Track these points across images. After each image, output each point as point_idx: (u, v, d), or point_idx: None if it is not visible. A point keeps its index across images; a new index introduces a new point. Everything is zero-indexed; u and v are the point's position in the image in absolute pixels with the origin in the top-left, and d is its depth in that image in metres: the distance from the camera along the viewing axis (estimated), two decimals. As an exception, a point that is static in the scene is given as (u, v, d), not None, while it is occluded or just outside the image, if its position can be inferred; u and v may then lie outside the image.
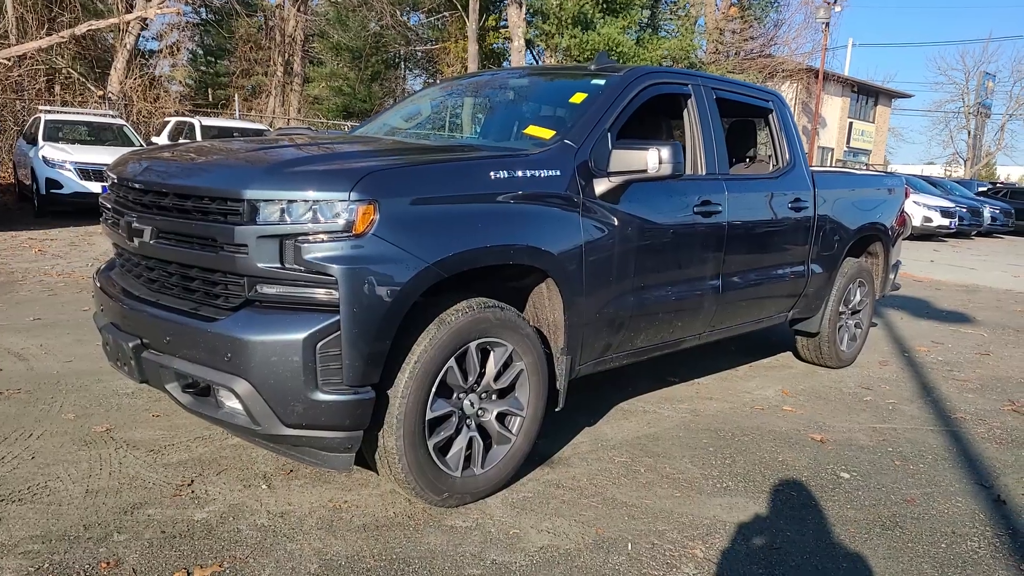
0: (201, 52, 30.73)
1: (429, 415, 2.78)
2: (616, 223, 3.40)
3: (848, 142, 39.45)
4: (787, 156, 4.77)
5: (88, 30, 16.94)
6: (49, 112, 12.82)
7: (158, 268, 2.90)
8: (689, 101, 4.08)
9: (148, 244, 2.83)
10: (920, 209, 18.90)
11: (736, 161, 5.08)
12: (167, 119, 16.49)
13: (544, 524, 2.88)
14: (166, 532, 2.64)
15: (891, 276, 6.13)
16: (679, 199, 3.79)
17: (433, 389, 2.77)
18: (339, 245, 2.49)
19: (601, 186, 3.31)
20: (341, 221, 2.50)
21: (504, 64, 27.24)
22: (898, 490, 3.44)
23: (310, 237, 2.50)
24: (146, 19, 17.78)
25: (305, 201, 2.51)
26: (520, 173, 3.03)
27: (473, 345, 2.88)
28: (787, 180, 4.68)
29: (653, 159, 3.24)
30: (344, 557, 2.55)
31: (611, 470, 3.44)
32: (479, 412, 3.02)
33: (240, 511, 2.82)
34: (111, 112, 14.18)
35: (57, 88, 17.22)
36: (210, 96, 27.37)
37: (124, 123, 13.28)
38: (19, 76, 16.49)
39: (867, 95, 41.22)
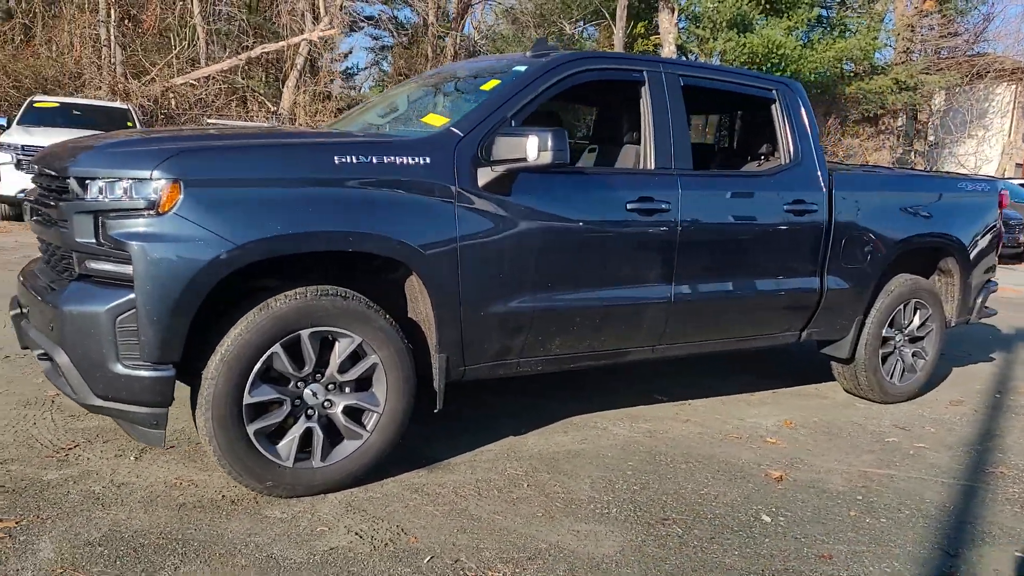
0: (388, 72, 32.82)
1: (248, 400, 2.74)
2: (508, 216, 3.17)
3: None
4: (792, 152, 4.20)
5: (261, 52, 18.72)
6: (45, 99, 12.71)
7: (43, 245, 3.11)
8: (643, 88, 3.72)
9: (32, 223, 3.05)
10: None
11: (751, 158, 4.59)
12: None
13: (361, 526, 2.73)
14: (5, 487, 2.80)
15: (975, 300, 5.20)
16: (603, 194, 3.46)
17: (253, 374, 2.72)
18: (140, 222, 2.54)
19: (485, 176, 3.11)
20: (144, 199, 2.54)
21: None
22: (820, 543, 2.88)
23: (117, 214, 2.56)
24: (312, 41, 19.31)
25: (115, 179, 2.58)
26: (374, 159, 2.92)
27: (305, 333, 2.80)
28: (786, 179, 4.12)
29: (532, 146, 2.99)
30: (132, 531, 2.57)
31: (490, 481, 3.19)
32: (325, 404, 2.93)
33: (87, 477, 2.94)
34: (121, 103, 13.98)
35: (233, 104, 19.18)
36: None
37: (128, 107, 13.11)
38: (203, 94, 18.55)
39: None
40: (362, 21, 30.62)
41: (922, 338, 4.91)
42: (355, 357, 2.95)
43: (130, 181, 2.56)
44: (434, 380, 3.16)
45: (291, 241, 2.71)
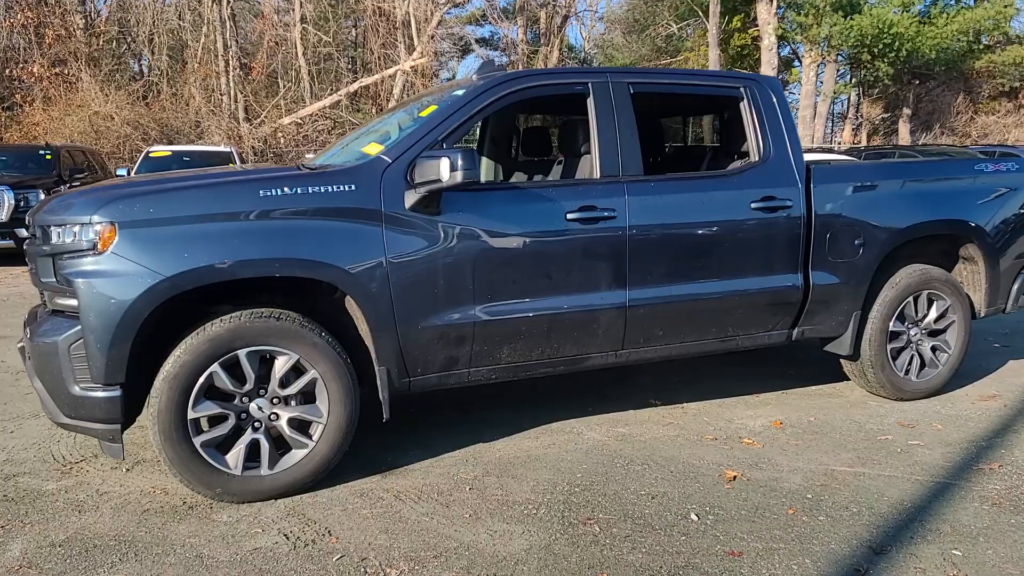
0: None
1: (192, 415, 3.07)
2: (439, 234, 3.37)
3: None
4: (761, 149, 4.13)
5: (359, 87, 19.78)
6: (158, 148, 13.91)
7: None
8: (588, 101, 3.81)
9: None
10: None
11: (734, 158, 4.54)
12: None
13: (292, 528, 2.99)
14: (8, 496, 3.27)
15: (1011, 287, 4.85)
16: (540, 207, 3.58)
17: (195, 391, 3.05)
18: (84, 261, 2.94)
19: (411, 198, 3.32)
20: (86, 241, 2.94)
21: (753, 67, 25.76)
22: (737, 541, 2.87)
23: (66, 255, 2.97)
24: (406, 72, 20.20)
25: (66, 225, 3.00)
26: (299, 190, 3.20)
27: (242, 353, 3.11)
28: (754, 176, 4.05)
29: (444, 167, 3.18)
30: (93, 534, 2.94)
31: (436, 486, 3.37)
32: (271, 416, 3.22)
33: (78, 487, 3.37)
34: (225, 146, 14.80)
35: (335, 138, 20.39)
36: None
37: (231, 150, 13.92)
38: (308, 131, 19.84)
39: None
40: (468, 46, 31.63)
41: (942, 331, 4.64)
42: (297, 372, 3.22)
43: (78, 226, 2.97)
44: (380, 392, 3.39)
45: (219, 271, 3.02)
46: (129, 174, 13.48)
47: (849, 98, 30.60)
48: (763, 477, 3.46)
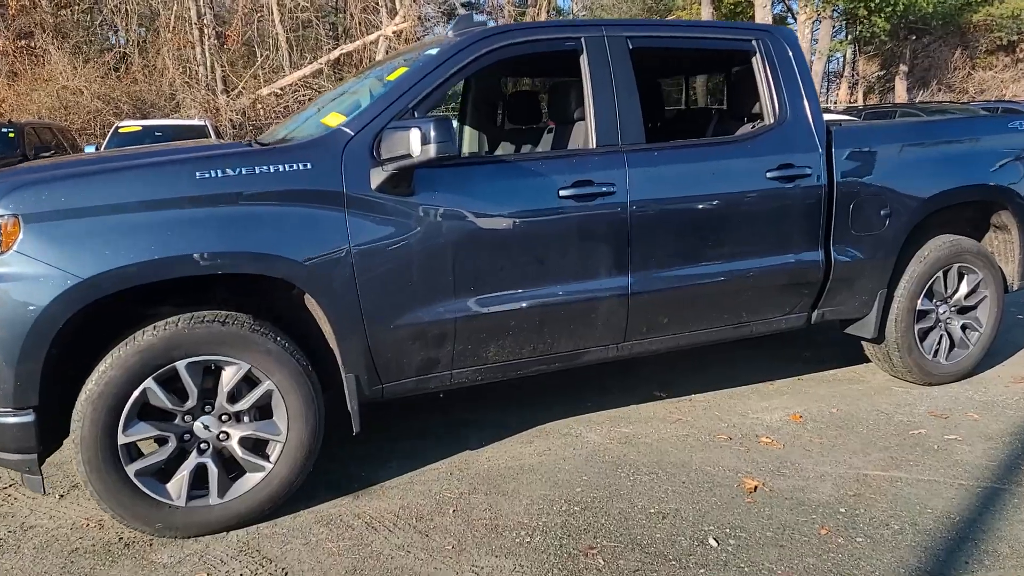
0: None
1: (124, 439, 2.61)
2: (413, 218, 2.90)
3: None
4: (777, 110, 3.64)
5: (340, 54, 19.04)
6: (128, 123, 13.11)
7: None
8: (581, 59, 3.31)
9: None
10: None
11: (745, 121, 4.05)
12: None
13: (244, 569, 2.55)
14: (-79, 534, 2.82)
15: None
16: (528, 182, 3.11)
17: (125, 412, 2.59)
18: (-17, 264, 2.45)
19: (378, 177, 2.83)
20: (-15, 240, 2.45)
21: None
22: (767, 571, 2.45)
23: (-36, 257, 2.48)
24: (388, 37, 19.44)
25: None
26: (244, 170, 2.71)
27: (182, 364, 2.64)
28: (769, 141, 3.58)
29: (415, 140, 2.69)
30: (10, 581, 2.50)
31: (415, 508, 2.94)
32: (220, 436, 2.77)
33: (2, 519, 2.92)
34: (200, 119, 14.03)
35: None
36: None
37: (206, 123, 13.15)
38: (289, 102, 19.12)
39: None
40: (453, 9, 30.73)
41: (973, 307, 4.21)
42: (250, 383, 2.77)
43: (-25, 222, 2.47)
44: (348, 402, 2.93)
45: (149, 269, 2.55)
46: (98, 150, 12.86)
47: (845, 56, 29.93)
48: (788, 487, 3.04)
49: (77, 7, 21.43)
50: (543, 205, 3.11)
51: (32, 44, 19.32)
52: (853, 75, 30.49)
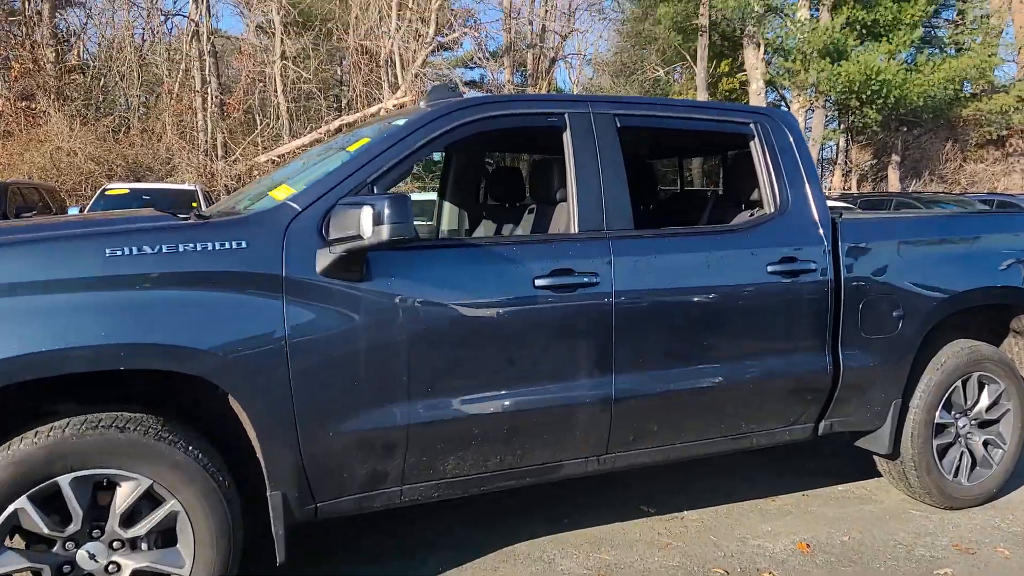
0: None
1: (-12, 573, 2.14)
2: (364, 307, 2.51)
3: None
4: (777, 198, 3.31)
5: (341, 125, 19.06)
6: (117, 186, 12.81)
7: None
8: (565, 136, 2.98)
9: None
10: None
11: (745, 208, 3.72)
12: None
13: None
14: None
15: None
16: (500, 269, 2.73)
17: (-9, 541, 2.13)
18: None
19: (324, 260, 2.45)
20: None
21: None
22: None
23: None
24: (387, 110, 19.52)
25: None
26: (164, 248, 2.32)
27: (65, 480, 2.19)
28: (769, 232, 3.23)
29: (366, 220, 2.32)
30: None
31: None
32: (109, 568, 2.29)
33: None
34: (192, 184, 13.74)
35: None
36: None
37: (196, 188, 12.70)
38: (284, 170, 19.02)
39: None
40: (456, 87, 31.07)
41: (995, 421, 3.79)
42: (152, 503, 2.31)
43: None
44: (272, 525, 2.47)
45: (35, 365, 2.13)
46: (82, 212, 12.57)
47: (838, 144, 30.27)
48: (795, 641, 2.55)
49: (85, 75, 21.61)
50: (516, 295, 2.72)
51: (33, 106, 19.31)
52: (846, 163, 30.80)
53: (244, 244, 2.40)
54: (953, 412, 3.70)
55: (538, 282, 2.74)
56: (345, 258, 2.43)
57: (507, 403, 2.73)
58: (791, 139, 3.41)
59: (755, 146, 3.36)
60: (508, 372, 2.73)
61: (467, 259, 2.72)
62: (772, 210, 3.30)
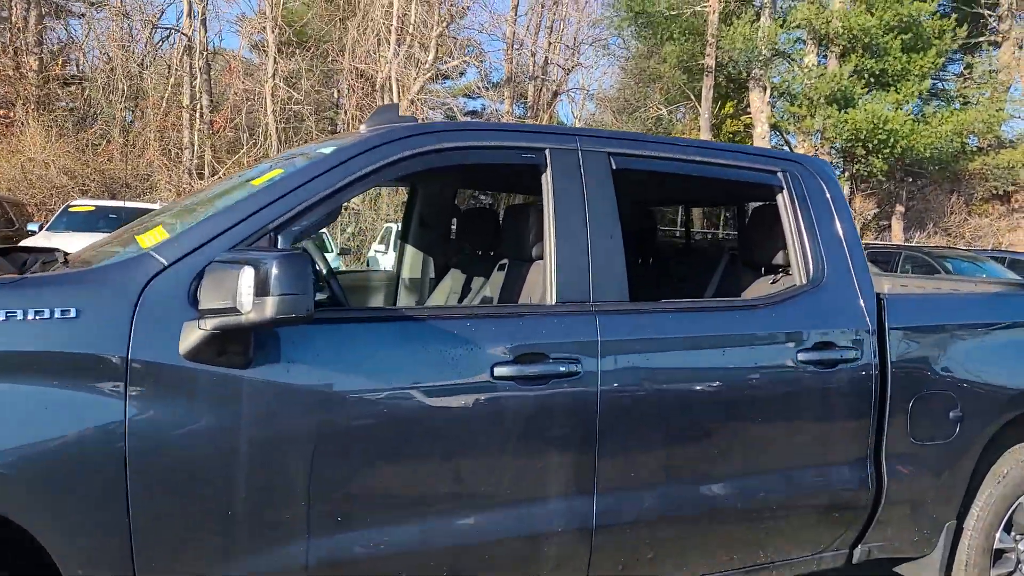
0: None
1: None
2: (246, 405, 1.80)
3: None
4: (810, 266, 2.63)
5: (329, 148, 18.48)
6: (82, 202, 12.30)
7: None
8: (544, 177, 2.30)
9: None
10: None
11: (765, 272, 3.04)
12: None
13: None
14: None
15: None
16: (444, 352, 2.02)
17: None
18: None
19: (191, 337, 1.73)
20: None
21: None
22: None
23: None
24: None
25: None
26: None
27: None
28: (800, 309, 2.53)
29: (245, 287, 1.62)
30: None
31: None
32: None
33: None
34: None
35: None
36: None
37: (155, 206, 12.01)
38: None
39: None
40: (455, 117, 30.82)
41: (1064, 545, 3.08)
42: None
43: None
44: None
45: None
46: (41, 230, 11.79)
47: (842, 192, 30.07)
48: None
49: (75, 86, 21.02)
50: (467, 388, 2.02)
51: (11, 115, 18.66)
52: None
53: (73, 313, 1.69)
54: (1014, 534, 3.00)
55: (498, 370, 2.03)
56: (219, 337, 1.72)
57: (448, 534, 2.00)
58: (828, 194, 2.73)
59: (783, 199, 2.68)
60: (453, 491, 2.02)
61: (399, 338, 2.00)
62: (803, 281, 2.61)
